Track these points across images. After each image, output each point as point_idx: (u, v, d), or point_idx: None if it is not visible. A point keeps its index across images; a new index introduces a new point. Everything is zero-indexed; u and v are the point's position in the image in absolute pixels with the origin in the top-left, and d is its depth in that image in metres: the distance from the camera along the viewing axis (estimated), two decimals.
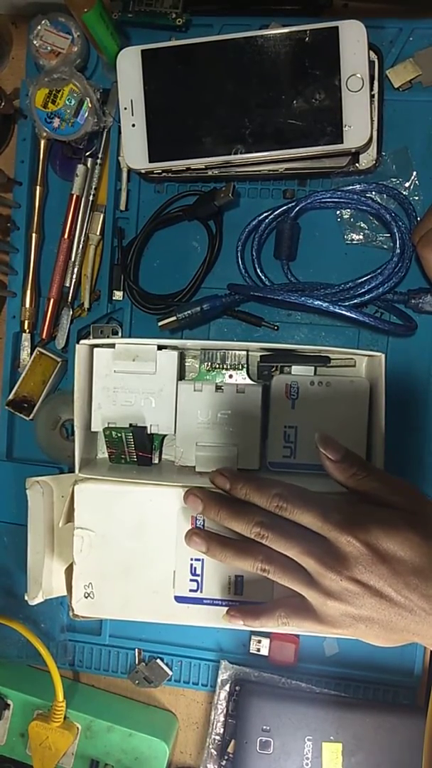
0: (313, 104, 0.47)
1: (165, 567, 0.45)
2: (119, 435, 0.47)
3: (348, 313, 0.47)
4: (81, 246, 0.54)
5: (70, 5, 0.46)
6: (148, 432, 0.47)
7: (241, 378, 0.49)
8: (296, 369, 0.48)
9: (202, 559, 0.45)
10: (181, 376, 0.50)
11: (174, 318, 0.51)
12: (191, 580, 0.45)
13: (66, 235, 0.54)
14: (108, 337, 0.54)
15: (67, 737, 0.52)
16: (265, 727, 0.49)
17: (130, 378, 0.48)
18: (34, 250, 0.55)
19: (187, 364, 0.51)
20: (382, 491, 0.39)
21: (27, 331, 0.55)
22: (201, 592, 0.45)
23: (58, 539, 0.49)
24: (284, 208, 0.51)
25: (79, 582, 0.46)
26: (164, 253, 0.54)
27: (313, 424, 0.47)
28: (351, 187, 0.50)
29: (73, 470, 0.46)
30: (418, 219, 0.50)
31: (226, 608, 0.44)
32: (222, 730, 0.52)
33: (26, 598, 0.48)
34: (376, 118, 0.49)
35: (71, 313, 0.55)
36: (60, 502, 0.49)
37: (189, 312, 0.50)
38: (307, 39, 0.46)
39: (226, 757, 0.51)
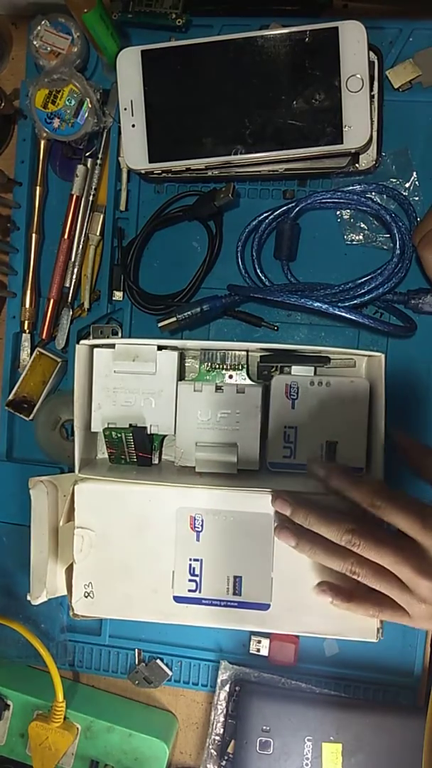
0: (313, 105, 0.47)
1: (164, 567, 0.45)
2: (119, 435, 0.47)
3: (347, 315, 0.47)
4: (81, 246, 0.54)
5: (70, 5, 0.46)
6: (148, 432, 0.47)
7: (241, 378, 0.49)
8: (296, 369, 0.48)
9: (201, 560, 0.45)
10: (181, 376, 0.50)
11: (174, 319, 0.51)
12: (190, 580, 0.45)
13: (66, 236, 0.54)
14: (108, 337, 0.54)
15: (67, 737, 0.52)
16: (265, 728, 0.49)
17: (130, 378, 0.48)
18: (34, 250, 0.55)
19: (187, 364, 0.51)
20: None
21: (27, 331, 0.56)
22: (199, 592, 0.45)
23: (59, 539, 0.49)
24: (284, 208, 0.51)
25: (79, 581, 0.46)
26: (164, 253, 0.54)
27: (313, 424, 0.47)
28: (351, 188, 0.50)
29: (73, 470, 0.46)
30: (418, 219, 0.50)
31: (224, 608, 0.44)
32: (222, 730, 0.52)
33: (29, 597, 0.48)
34: (376, 119, 0.49)
35: (71, 313, 0.55)
36: (62, 501, 0.49)
37: (189, 312, 0.50)
38: (307, 39, 0.46)
39: (226, 758, 0.51)
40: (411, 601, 0.38)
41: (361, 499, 0.40)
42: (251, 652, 0.52)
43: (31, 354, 0.55)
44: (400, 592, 0.38)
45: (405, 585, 0.38)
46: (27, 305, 0.55)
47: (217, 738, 0.52)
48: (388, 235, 0.51)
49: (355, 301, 0.49)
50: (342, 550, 0.40)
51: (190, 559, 0.45)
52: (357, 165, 0.50)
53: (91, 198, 0.54)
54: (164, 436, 0.49)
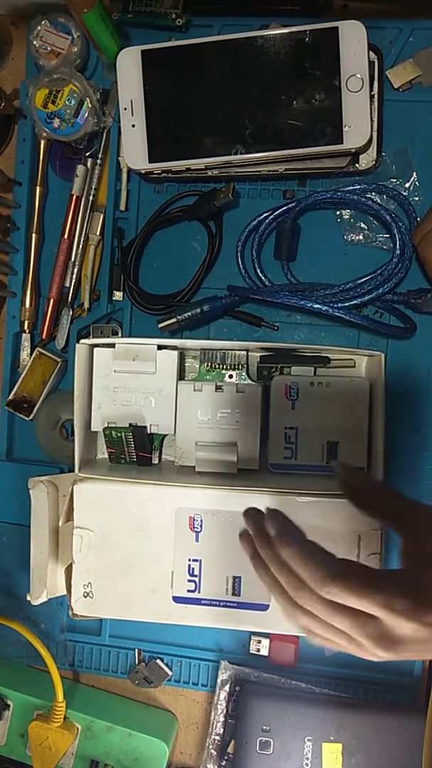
0: (313, 104, 0.47)
1: (164, 567, 0.45)
2: (119, 435, 0.47)
3: (347, 317, 0.47)
4: (81, 246, 0.54)
5: (70, 5, 0.46)
6: (148, 432, 0.48)
7: (240, 378, 0.49)
8: (296, 369, 0.48)
9: (200, 560, 0.45)
10: (181, 376, 0.50)
11: (174, 319, 0.51)
12: (189, 581, 0.45)
13: (66, 235, 0.54)
14: (108, 337, 0.54)
15: (67, 737, 0.52)
16: (265, 727, 0.49)
17: (130, 378, 0.48)
18: (34, 250, 0.55)
19: (187, 364, 0.51)
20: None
21: (27, 331, 0.56)
22: (198, 592, 0.45)
23: (59, 539, 0.49)
24: (284, 208, 0.51)
25: (79, 581, 0.46)
26: (164, 253, 0.54)
27: (313, 424, 0.47)
28: (351, 188, 0.50)
29: (73, 470, 0.46)
30: (418, 219, 0.50)
31: (223, 608, 0.44)
32: (222, 730, 0.52)
33: (29, 597, 0.48)
34: (375, 119, 0.49)
35: (71, 313, 0.55)
36: (62, 501, 0.49)
37: (189, 313, 0.50)
38: (307, 39, 0.46)
39: (226, 758, 0.51)
40: (389, 643, 0.31)
41: (313, 582, 0.32)
42: (251, 652, 0.52)
43: (31, 354, 0.55)
44: (372, 636, 0.31)
45: (383, 624, 0.31)
46: (27, 305, 0.55)
47: (217, 738, 0.52)
48: (388, 235, 0.51)
49: (355, 301, 0.49)
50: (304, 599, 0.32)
51: (189, 560, 0.45)
52: (357, 165, 0.50)
53: (91, 198, 0.54)
54: (164, 435, 0.49)
